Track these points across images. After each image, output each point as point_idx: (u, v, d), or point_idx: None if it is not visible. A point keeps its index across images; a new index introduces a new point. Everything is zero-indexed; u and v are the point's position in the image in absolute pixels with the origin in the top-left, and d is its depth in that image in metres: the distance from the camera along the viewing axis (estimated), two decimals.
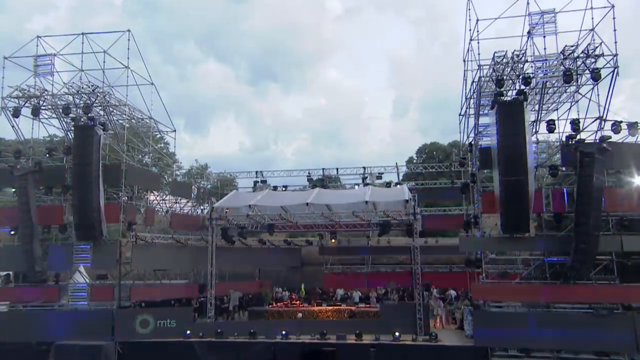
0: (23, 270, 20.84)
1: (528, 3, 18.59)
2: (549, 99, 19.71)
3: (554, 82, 18.54)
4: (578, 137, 18.12)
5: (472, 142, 21.90)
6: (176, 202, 27.70)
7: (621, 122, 17.54)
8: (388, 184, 27.04)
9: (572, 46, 17.79)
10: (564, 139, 18.62)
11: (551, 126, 18.39)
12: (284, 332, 19.62)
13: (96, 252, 20.39)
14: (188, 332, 20.04)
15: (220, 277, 25.26)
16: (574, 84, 18.07)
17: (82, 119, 20.32)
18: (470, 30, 19.30)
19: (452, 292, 25.32)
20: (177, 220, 25.93)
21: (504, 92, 18.20)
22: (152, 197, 27.10)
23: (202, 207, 28.94)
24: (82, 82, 21.20)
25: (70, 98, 21.29)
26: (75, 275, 21.94)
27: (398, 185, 26.23)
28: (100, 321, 19.90)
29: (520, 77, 18.01)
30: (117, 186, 21.76)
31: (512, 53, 18.15)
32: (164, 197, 27.09)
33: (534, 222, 18.66)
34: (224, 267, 25.58)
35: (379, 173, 27.55)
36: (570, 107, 19.24)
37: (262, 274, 29.96)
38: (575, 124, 18.01)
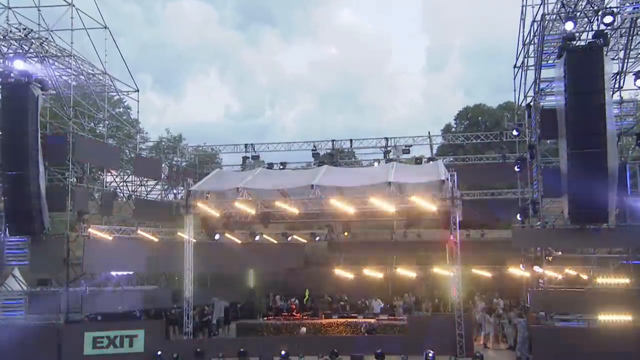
0: None
1: None
2: (638, 43, 19.35)
3: None
4: None
5: (531, 103, 21.80)
6: (141, 185, 27.96)
7: None
8: (418, 160, 26.98)
9: None
10: None
11: None
12: (283, 352, 19.24)
13: (36, 250, 20.29)
14: (159, 352, 19.91)
15: (200, 281, 25.16)
16: None
17: (11, 75, 20.00)
18: None
19: (502, 302, 25.20)
20: (142, 208, 25.91)
21: (577, 34, 17.91)
22: (109, 178, 27.21)
23: (175, 191, 29.18)
24: (9, 24, 20.86)
25: None
26: (8, 280, 21.89)
27: (431, 162, 26.00)
28: (41, 340, 19.68)
29: (600, 13, 17.66)
30: (62, 164, 21.70)
31: None
32: (125, 177, 27.29)
33: (614, 209, 18.13)
34: (205, 269, 25.55)
35: (406, 146, 27.57)
36: None
37: (255, 277, 29.95)
38: None
